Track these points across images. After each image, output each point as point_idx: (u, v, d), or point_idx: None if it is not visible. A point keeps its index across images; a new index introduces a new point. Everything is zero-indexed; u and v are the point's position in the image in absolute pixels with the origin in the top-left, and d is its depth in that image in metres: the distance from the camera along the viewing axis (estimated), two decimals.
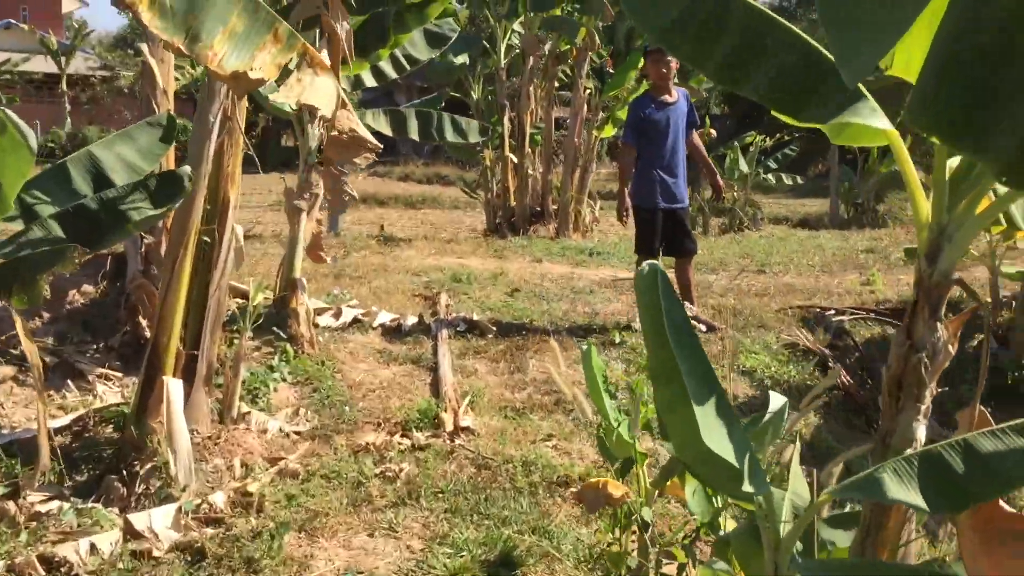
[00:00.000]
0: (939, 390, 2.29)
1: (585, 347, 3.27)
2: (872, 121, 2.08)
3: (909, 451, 2.08)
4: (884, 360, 6.22)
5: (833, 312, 7.36)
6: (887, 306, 7.56)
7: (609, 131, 13.31)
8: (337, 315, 6.45)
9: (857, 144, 2.65)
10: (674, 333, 2.02)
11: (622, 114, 12.95)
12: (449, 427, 4.93)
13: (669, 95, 6.52)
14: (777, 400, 3.03)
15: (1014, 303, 7.15)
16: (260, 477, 4.16)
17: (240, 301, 6.25)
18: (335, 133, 4.41)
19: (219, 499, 3.86)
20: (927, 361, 2.14)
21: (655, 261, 2.21)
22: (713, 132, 15.23)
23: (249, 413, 4.88)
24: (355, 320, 6.44)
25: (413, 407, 5.23)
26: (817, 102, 2.11)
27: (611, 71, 13.39)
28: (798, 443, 2.76)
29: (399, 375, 5.76)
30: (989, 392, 6.53)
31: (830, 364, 6.33)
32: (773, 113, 2.27)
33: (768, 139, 15.31)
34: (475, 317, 6.68)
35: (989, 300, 7.32)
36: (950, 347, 2.17)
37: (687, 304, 6.45)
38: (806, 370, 6.28)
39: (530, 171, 13.37)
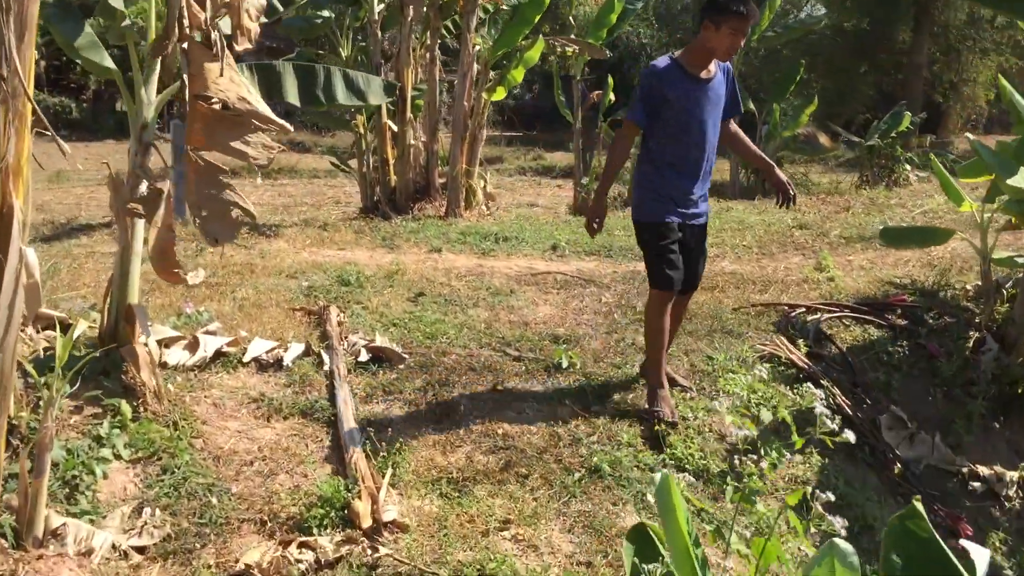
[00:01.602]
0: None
1: (659, 477, 1.95)
2: None
3: None
4: (875, 370, 5.10)
5: (803, 310, 6.33)
6: (859, 299, 6.59)
7: (501, 93, 11.92)
8: (192, 347, 4.85)
9: None
10: None
11: (518, 74, 11.60)
12: (366, 522, 3.55)
13: (707, 68, 4.45)
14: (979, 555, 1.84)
15: (1004, 291, 6.32)
16: None
17: (51, 336, 4.58)
18: (215, 103, 2.90)
19: None
20: None
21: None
22: (612, 96, 14.13)
23: (64, 525, 3.33)
24: (219, 354, 4.86)
25: (311, 492, 3.78)
26: None
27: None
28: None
29: (285, 436, 4.28)
30: (998, 405, 5.67)
31: (822, 382, 5.27)
32: None
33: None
34: (379, 340, 5.23)
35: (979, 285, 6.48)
36: None
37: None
38: (797, 390, 5.19)
39: (412, 140, 11.84)
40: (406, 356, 5.12)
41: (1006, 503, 5.03)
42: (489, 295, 6.64)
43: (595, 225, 4.61)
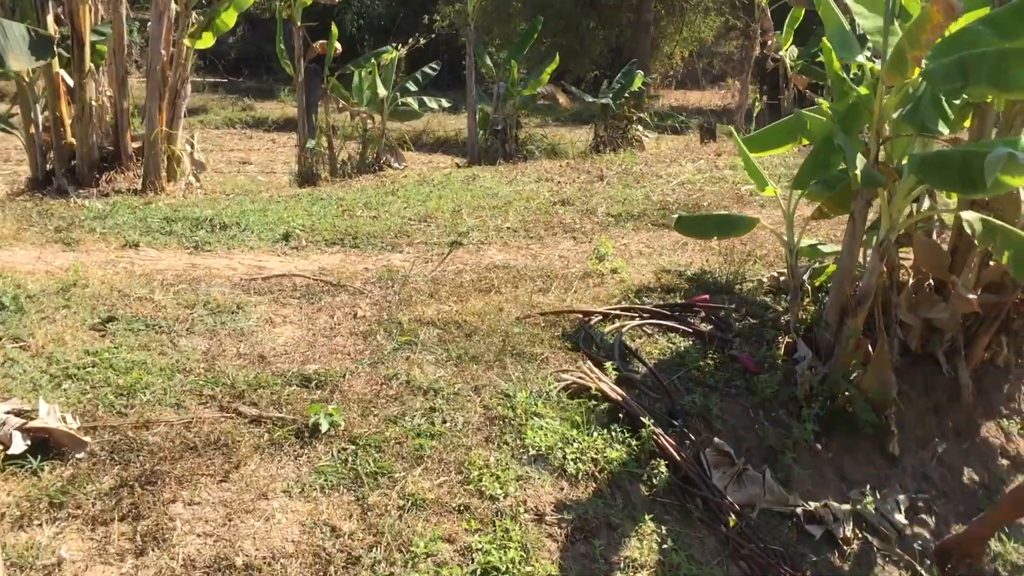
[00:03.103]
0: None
1: None
2: None
3: None
4: (691, 391, 4.22)
5: (599, 318, 5.42)
6: (660, 303, 5.80)
7: (209, 40, 9.96)
8: None
9: None
10: None
11: (229, 17, 9.74)
12: None
13: None
14: None
15: (807, 286, 5.79)
16: None
17: None
18: None
19: None
20: None
21: None
22: (338, 47, 12.54)
23: None
24: None
25: None
26: None
27: None
28: None
29: None
30: (820, 424, 5.07)
31: (644, 420, 4.35)
32: None
33: (400, 46, 13.00)
34: (43, 414, 3.57)
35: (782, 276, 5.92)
36: None
37: None
38: (616, 434, 4.25)
39: (94, 96, 9.63)
40: (86, 440, 3.52)
41: (844, 546, 4.43)
42: (208, 314, 5.09)
43: None
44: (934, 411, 5.55)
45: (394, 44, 13.12)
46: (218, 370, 4.36)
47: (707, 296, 5.77)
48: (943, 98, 4.84)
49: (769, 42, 18.94)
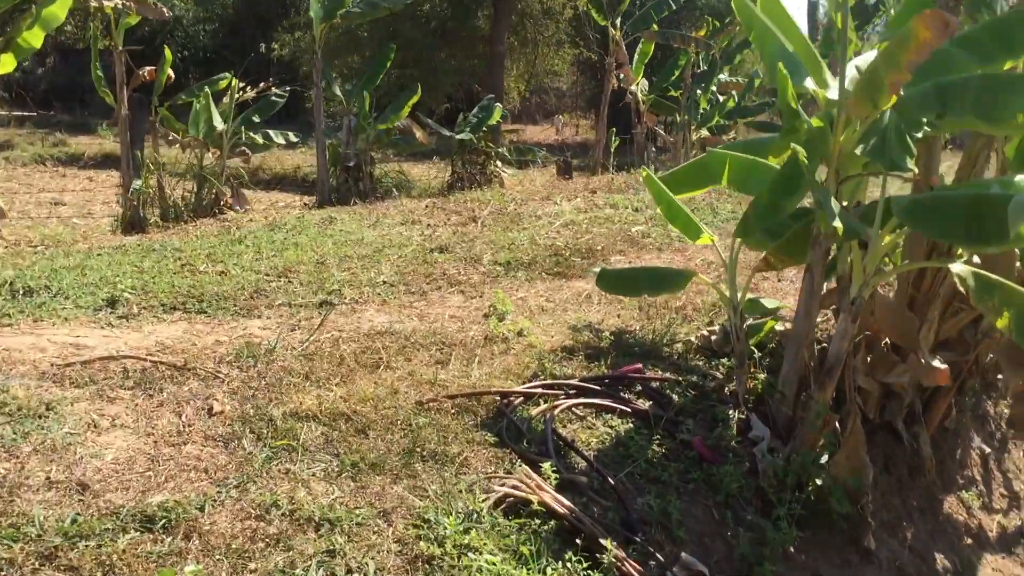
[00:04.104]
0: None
1: None
2: None
3: None
4: (644, 492, 3.37)
5: (520, 399, 4.46)
6: (575, 367, 4.91)
7: (9, 63, 8.37)
8: None
9: None
10: None
11: (34, 37, 8.22)
12: None
13: None
14: None
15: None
16: None
17: None
18: None
19: None
20: None
21: None
22: (171, 73, 11.09)
23: None
24: None
25: None
26: None
27: None
28: None
29: None
30: (790, 519, 4.16)
31: (604, 543, 3.42)
32: None
33: (248, 88, 11.67)
34: None
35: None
36: None
37: None
38: (567, 562, 3.29)
39: None
40: None
41: None
42: (5, 422, 3.78)
43: None
44: (898, 489, 4.91)
45: (232, 73, 11.74)
46: (18, 513, 3.10)
47: (639, 365, 4.91)
48: (905, 131, 4.22)
49: (623, 75, 18.72)
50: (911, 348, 4.63)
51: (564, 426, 4.32)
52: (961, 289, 3.91)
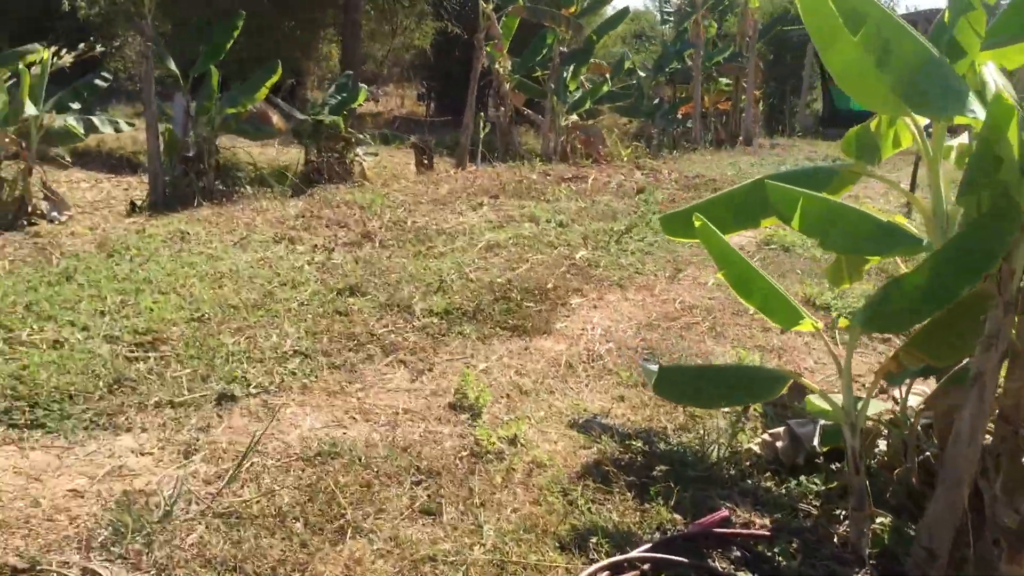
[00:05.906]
0: None
1: None
2: None
3: None
4: None
5: None
6: (620, 515, 3.44)
7: None
8: None
9: None
10: None
11: None
12: None
13: None
14: None
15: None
16: None
17: None
18: None
19: None
20: None
21: None
22: None
23: None
24: None
25: None
26: None
27: None
28: None
29: None
30: None
31: None
32: None
33: (65, 53, 9.26)
34: None
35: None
36: None
37: None
38: None
39: None
40: None
41: None
42: None
43: None
44: None
45: (45, 44, 9.28)
46: None
47: (724, 513, 3.48)
48: None
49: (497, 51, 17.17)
50: None
51: None
52: None
